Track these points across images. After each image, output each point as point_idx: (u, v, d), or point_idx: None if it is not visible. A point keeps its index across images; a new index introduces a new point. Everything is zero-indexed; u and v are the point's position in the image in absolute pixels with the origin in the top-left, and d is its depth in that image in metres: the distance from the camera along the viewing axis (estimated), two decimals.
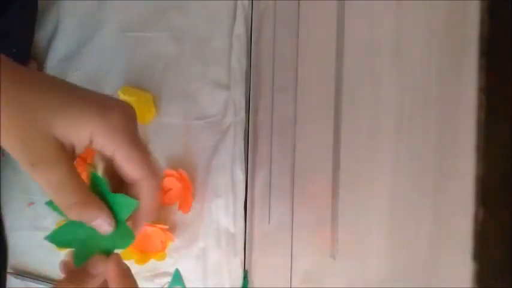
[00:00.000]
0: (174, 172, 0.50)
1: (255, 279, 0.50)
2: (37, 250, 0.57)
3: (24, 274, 0.57)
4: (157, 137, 0.53)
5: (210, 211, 0.51)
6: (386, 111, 0.45)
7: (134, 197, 0.30)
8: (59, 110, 0.27)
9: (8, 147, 0.26)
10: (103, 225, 0.29)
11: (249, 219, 0.50)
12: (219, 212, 0.50)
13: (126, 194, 0.30)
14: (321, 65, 0.48)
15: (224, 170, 0.51)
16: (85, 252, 0.30)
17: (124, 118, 0.28)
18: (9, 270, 0.58)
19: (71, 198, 0.28)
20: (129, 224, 0.31)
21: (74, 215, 0.28)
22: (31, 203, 0.57)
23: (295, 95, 0.49)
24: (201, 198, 0.51)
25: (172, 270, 0.51)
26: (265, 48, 0.51)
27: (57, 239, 0.30)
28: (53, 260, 0.55)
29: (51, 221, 0.56)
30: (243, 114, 0.51)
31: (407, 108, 0.45)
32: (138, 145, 0.29)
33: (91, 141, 0.28)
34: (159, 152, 0.53)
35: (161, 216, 0.52)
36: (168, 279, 0.51)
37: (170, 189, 0.51)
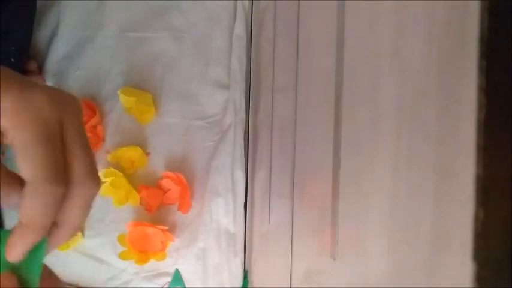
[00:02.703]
0: (172, 174, 0.50)
1: (255, 279, 0.50)
2: None
3: None
4: (157, 137, 0.53)
5: (210, 211, 0.51)
6: (386, 111, 0.45)
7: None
8: None
9: None
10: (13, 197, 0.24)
11: (249, 219, 0.50)
12: (219, 212, 0.50)
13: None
14: (321, 65, 0.48)
15: (224, 169, 0.51)
16: None
17: (45, 99, 0.23)
18: None
19: None
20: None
21: None
22: None
23: (295, 95, 0.49)
24: (201, 198, 0.51)
25: (172, 270, 0.51)
26: (265, 48, 0.51)
27: None
28: (50, 259, 0.55)
29: None
30: (243, 114, 0.51)
31: (408, 108, 0.45)
32: (54, 138, 0.23)
33: None
34: (159, 152, 0.53)
35: (161, 216, 0.52)
36: (168, 279, 0.51)
37: (169, 189, 0.51)
